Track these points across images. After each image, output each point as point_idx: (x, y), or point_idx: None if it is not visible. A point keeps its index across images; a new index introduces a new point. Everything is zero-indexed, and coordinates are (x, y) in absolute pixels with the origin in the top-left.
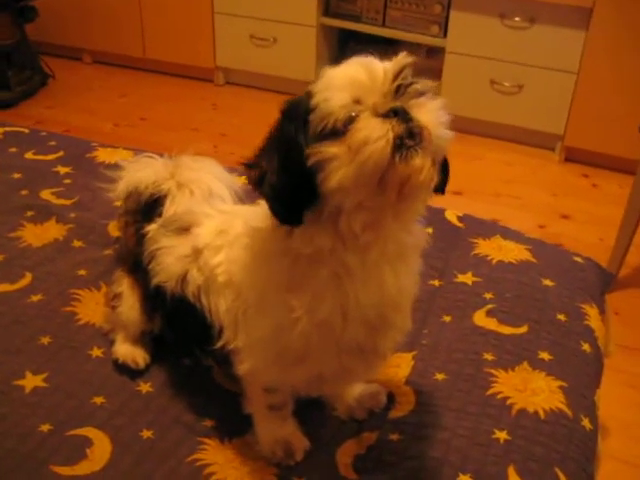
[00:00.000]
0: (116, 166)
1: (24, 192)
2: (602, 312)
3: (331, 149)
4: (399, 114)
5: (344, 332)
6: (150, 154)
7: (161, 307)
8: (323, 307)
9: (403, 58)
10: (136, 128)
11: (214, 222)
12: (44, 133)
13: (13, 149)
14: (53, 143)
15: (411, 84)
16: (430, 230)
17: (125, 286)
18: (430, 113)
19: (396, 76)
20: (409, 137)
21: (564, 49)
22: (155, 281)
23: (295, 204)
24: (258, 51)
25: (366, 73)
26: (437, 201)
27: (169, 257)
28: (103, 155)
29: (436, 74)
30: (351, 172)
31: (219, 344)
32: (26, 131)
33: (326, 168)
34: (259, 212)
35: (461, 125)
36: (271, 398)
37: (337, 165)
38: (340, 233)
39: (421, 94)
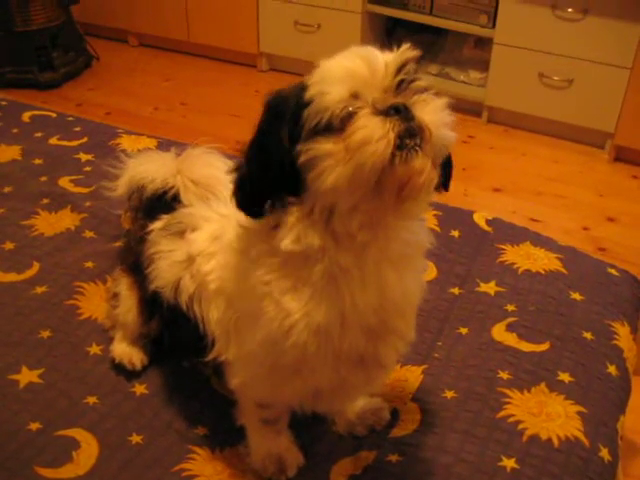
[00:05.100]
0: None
1: (43, 179)
2: (634, 330)
3: (326, 146)
4: (400, 112)
5: (343, 340)
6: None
7: (159, 314)
8: (320, 310)
9: (406, 51)
10: (175, 113)
11: (211, 227)
12: (71, 118)
13: (39, 134)
14: (78, 129)
15: (414, 80)
16: (456, 233)
17: (123, 287)
18: (433, 112)
19: (398, 70)
20: (410, 137)
21: (618, 43)
22: (152, 286)
23: (258, 196)
24: (302, 37)
25: (366, 65)
26: (474, 198)
27: (165, 262)
28: (127, 142)
29: (484, 65)
30: (347, 172)
31: (211, 356)
32: (53, 115)
33: (319, 166)
34: None
35: (506, 119)
36: (264, 413)
37: (332, 164)
38: (333, 232)
39: (424, 91)
